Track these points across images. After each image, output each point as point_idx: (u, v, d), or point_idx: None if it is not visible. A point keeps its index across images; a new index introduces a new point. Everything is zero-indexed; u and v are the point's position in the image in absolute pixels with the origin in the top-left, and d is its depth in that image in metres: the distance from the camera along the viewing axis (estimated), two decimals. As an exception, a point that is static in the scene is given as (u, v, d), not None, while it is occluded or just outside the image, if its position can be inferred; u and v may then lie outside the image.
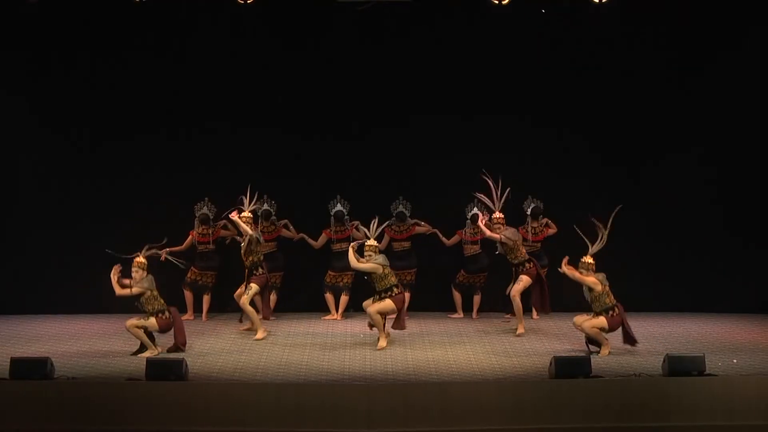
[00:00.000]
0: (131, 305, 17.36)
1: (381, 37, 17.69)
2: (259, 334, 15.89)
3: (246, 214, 16.34)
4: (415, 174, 17.75)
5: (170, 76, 17.67)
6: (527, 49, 17.66)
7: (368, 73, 17.71)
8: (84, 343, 15.66)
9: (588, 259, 15.00)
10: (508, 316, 16.94)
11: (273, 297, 17.09)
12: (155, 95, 17.68)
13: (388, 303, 15.36)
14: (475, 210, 17.26)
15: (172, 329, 14.99)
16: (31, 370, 13.19)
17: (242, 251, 16.18)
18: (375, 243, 15.59)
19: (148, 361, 13.38)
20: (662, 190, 17.76)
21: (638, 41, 17.68)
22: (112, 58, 17.64)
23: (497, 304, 17.40)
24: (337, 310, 17.50)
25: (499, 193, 16.70)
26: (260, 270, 16.14)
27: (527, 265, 16.33)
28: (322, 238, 17.50)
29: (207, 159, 17.72)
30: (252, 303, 16.06)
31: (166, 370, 13.20)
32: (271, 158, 17.64)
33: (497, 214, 16.67)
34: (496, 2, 16.38)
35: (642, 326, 16.62)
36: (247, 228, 16.09)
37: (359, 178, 17.78)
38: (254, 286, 16.03)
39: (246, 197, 16.50)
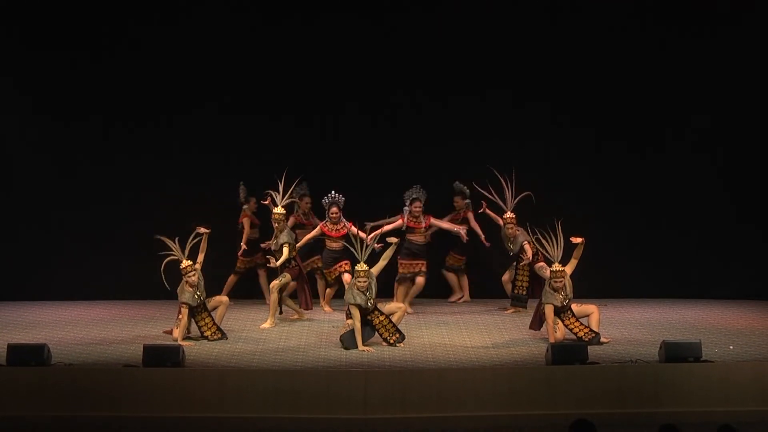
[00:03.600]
0: (128, 292, 17.39)
1: (378, 18, 17.66)
2: (267, 324, 15.86)
3: (279, 210, 15.90)
4: (407, 162, 17.69)
5: (162, 62, 17.61)
6: (523, 31, 17.59)
7: (362, 56, 17.66)
8: (81, 330, 15.65)
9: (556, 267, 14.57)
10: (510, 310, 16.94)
11: None
12: (148, 80, 17.63)
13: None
14: (465, 190, 17.19)
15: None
16: (28, 356, 13.18)
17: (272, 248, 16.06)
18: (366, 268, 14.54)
19: (145, 347, 13.37)
20: (659, 176, 17.71)
21: (638, 20, 17.62)
22: (107, 43, 17.60)
23: (493, 291, 17.36)
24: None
25: (511, 192, 16.52)
26: (293, 263, 16.01)
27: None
28: (317, 231, 17.34)
29: (201, 145, 17.68)
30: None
31: (163, 357, 13.20)
32: (264, 147, 17.62)
33: (508, 214, 16.54)
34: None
35: (639, 312, 16.65)
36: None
37: (358, 167, 17.76)
38: (288, 275, 15.96)
39: (279, 192, 15.95)
